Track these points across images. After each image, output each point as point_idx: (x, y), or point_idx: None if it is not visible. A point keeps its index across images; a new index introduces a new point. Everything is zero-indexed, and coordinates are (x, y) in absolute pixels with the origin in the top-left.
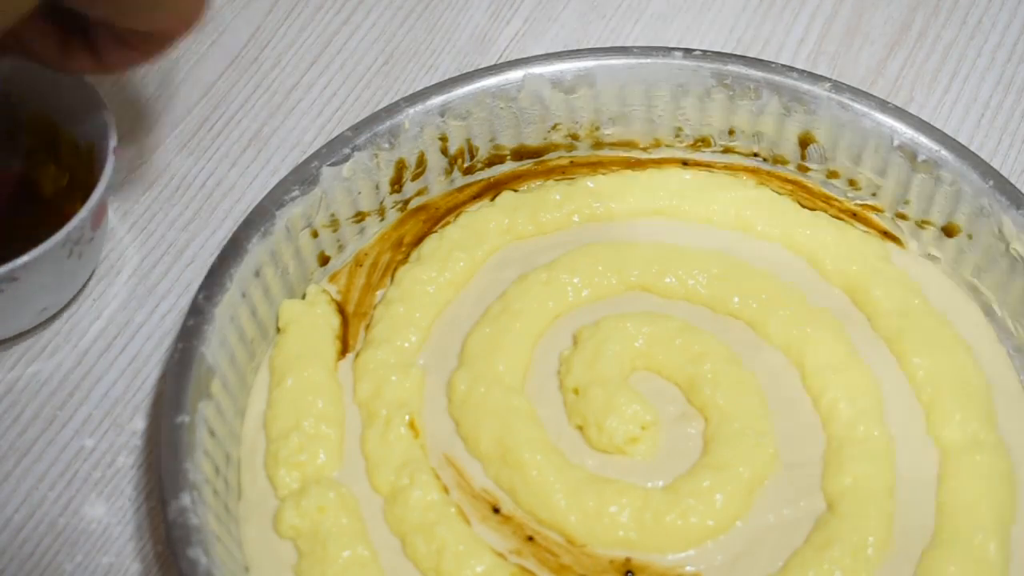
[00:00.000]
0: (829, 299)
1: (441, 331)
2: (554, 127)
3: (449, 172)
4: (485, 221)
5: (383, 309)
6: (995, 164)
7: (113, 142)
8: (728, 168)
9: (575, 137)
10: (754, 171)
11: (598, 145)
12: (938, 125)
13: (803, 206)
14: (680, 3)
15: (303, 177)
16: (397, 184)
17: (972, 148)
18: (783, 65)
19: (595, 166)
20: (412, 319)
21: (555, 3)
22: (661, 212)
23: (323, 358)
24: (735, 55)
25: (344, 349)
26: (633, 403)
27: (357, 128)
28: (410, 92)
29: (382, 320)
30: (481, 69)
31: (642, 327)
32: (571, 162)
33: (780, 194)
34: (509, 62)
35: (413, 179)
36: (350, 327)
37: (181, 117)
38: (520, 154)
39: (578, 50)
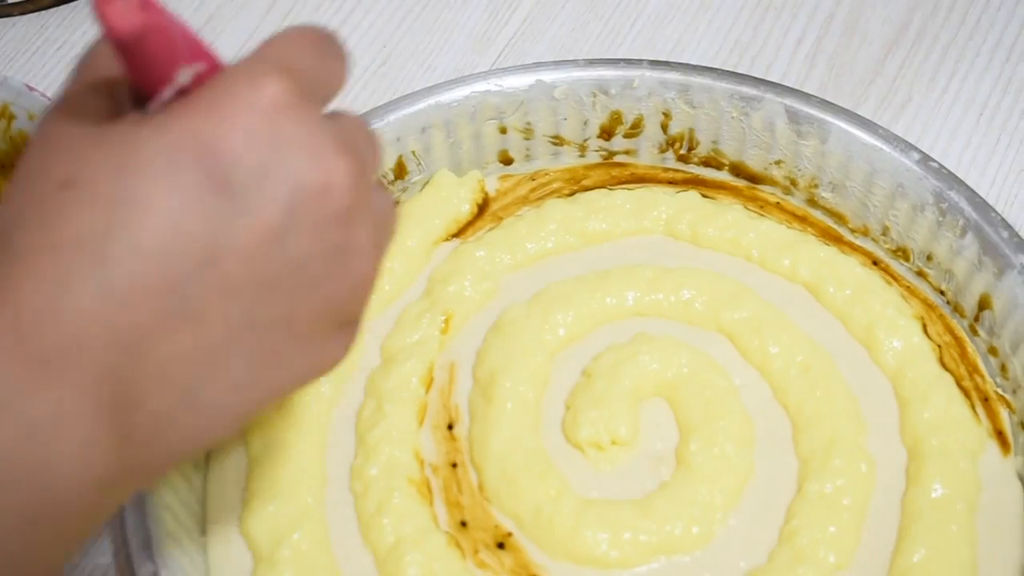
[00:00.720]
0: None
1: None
2: (777, 162)
3: (664, 150)
4: (655, 204)
5: (511, 222)
6: (993, 164)
7: None
8: (910, 290)
9: (793, 183)
10: (931, 307)
11: (812, 202)
12: (936, 125)
13: (942, 362)
14: (678, 3)
15: (513, 73)
16: (607, 133)
17: (970, 148)
18: (1003, 220)
19: (801, 220)
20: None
21: (553, 3)
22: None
23: (430, 236)
24: (964, 183)
25: (458, 233)
26: (622, 414)
27: (592, 62)
28: (408, 92)
29: (499, 232)
30: (726, 71)
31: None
32: (779, 204)
33: (934, 342)
34: (755, 78)
35: (625, 136)
36: (478, 221)
37: None
38: (738, 170)
39: (825, 101)
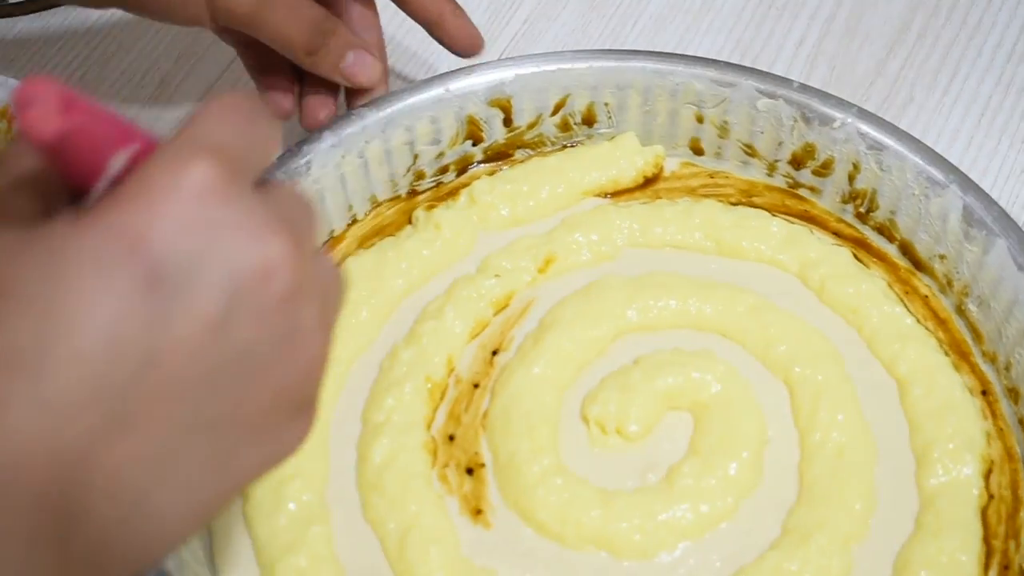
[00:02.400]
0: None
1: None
2: (941, 256)
3: (846, 200)
4: (804, 245)
5: (662, 204)
6: (994, 165)
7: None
8: (1002, 433)
9: (949, 282)
10: (1013, 458)
11: (960, 310)
12: (938, 125)
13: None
14: (679, 3)
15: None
16: (797, 162)
17: (972, 148)
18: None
19: (941, 322)
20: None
21: (554, 3)
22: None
23: (581, 185)
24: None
25: (613, 195)
26: (640, 411)
27: (805, 88)
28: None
29: (646, 208)
30: (928, 147)
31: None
32: (927, 298)
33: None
34: (950, 164)
35: (814, 172)
36: (637, 191)
37: (181, 117)
38: (906, 249)
39: (1005, 212)
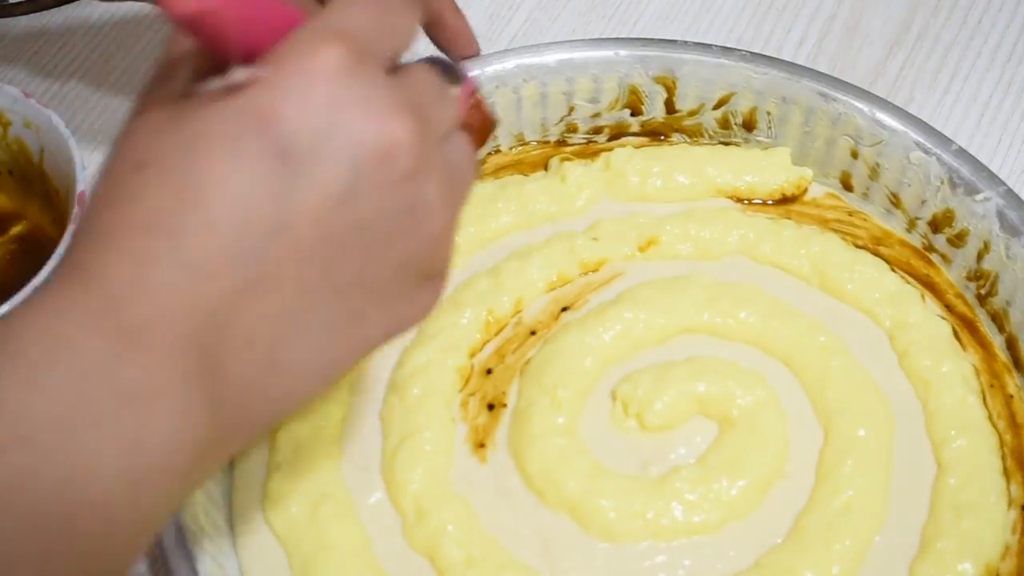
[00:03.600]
0: None
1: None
2: None
3: (971, 278)
4: (886, 295)
5: (785, 224)
6: (995, 165)
7: (81, 186)
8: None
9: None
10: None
11: None
12: (938, 126)
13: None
14: (679, 3)
15: (888, 111)
16: (935, 226)
17: (972, 149)
18: None
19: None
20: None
21: (555, 3)
22: None
23: (713, 186)
24: None
25: (740, 200)
26: (666, 405)
27: (960, 154)
28: None
29: (767, 223)
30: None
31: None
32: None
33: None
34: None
35: (948, 241)
36: (770, 208)
37: None
38: (1011, 344)
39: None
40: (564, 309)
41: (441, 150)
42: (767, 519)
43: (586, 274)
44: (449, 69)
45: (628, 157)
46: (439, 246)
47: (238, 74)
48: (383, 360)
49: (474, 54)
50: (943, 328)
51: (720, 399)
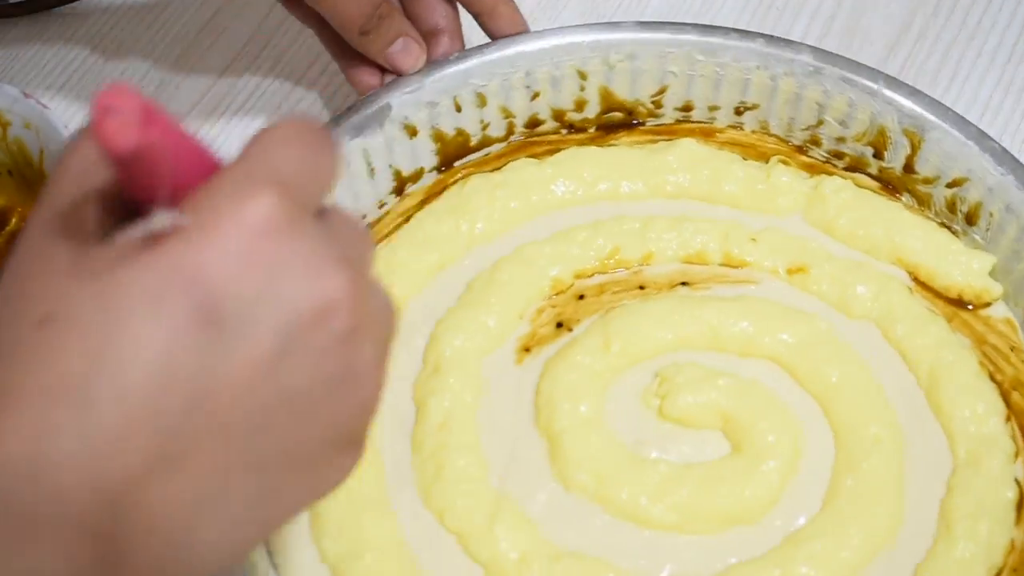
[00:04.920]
0: None
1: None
2: None
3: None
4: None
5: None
6: None
7: None
8: None
9: None
10: None
11: None
12: None
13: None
14: (679, 3)
15: None
16: None
17: None
18: None
19: None
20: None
21: (555, 3)
22: None
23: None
24: None
25: None
26: (697, 403)
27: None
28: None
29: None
30: None
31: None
32: None
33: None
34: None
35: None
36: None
37: (181, 117)
38: None
39: None
40: (684, 283)
41: (372, 305)
42: (731, 542)
43: (724, 265)
44: None
45: (839, 189)
46: (367, 410)
47: (161, 220)
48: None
49: (523, 31)
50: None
51: (745, 429)
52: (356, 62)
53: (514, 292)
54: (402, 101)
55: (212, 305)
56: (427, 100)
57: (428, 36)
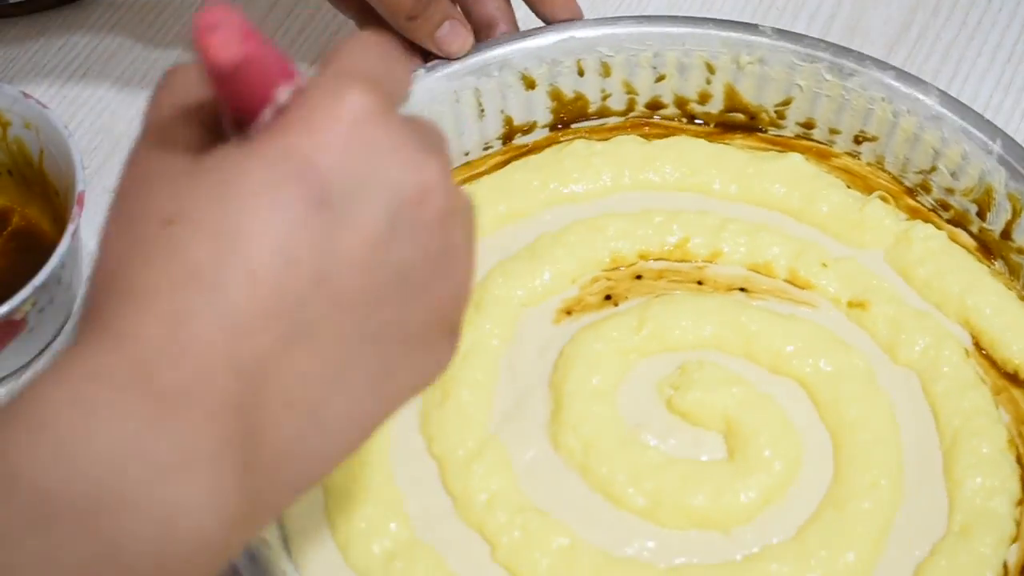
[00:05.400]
0: None
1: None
2: None
3: None
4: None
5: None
6: None
7: (81, 187)
8: None
9: None
10: None
11: None
12: None
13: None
14: (679, 4)
15: None
16: None
17: None
18: None
19: None
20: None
21: None
22: None
23: None
24: None
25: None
26: (710, 402)
27: None
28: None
29: None
30: None
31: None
32: None
33: None
34: None
35: None
36: None
37: None
38: None
39: None
40: (742, 289)
41: (460, 192)
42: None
43: (788, 282)
44: None
45: (928, 237)
46: (462, 293)
47: (282, 96)
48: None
49: (577, 17)
50: None
51: (743, 439)
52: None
53: (575, 256)
54: (525, 53)
55: (323, 189)
56: (550, 57)
57: (483, 26)
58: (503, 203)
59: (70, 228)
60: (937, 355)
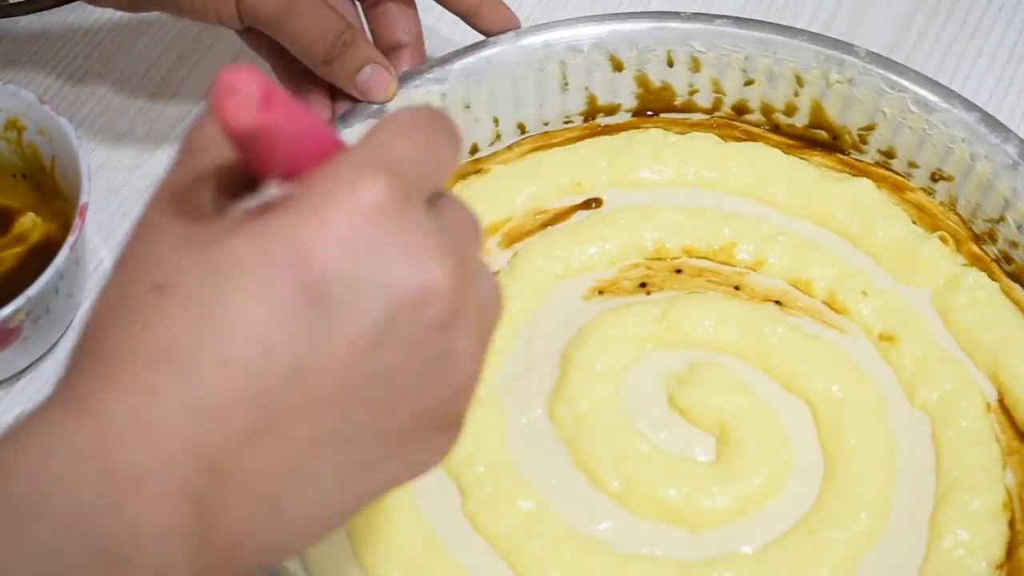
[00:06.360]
0: None
1: None
2: None
3: None
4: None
5: None
6: None
7: (85, 198)
8: None
9: None
10: None
11: None
12: None
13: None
14: (678, 4)
15: None
16: None
17: None
18: None
19: None
20: None
21: (555, 3)
22: None
23: None
24: None
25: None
26: (699, 402)
27: None
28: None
29: None
30: None
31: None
32: None
33: None
34: None
35: None
36: None
37: (181, 117)
38: None
39: None
40: (778, 302)
41: (474, 291)
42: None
43: (826, 304)
44: None
45: (978, 286)
46: (462, 395)
47: (272, 194)
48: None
49: (514, 27)
50: None
51: (733, 445)
52: (306, 91)
53: (620, 239)
54: (616, 35)
55: (316, 283)
56: (642, 43)
57: (390, 52)
58: (567, 175)
59: (70, 239)
60: (955, 403)
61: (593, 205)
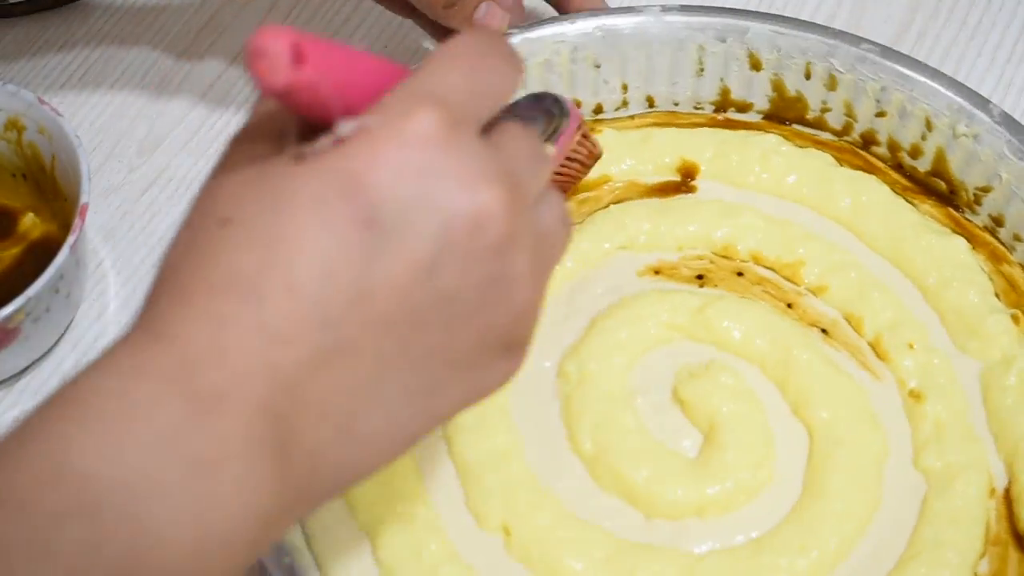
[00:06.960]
0: None
1: None
2: None
3: None
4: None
5: None
6: None
7: (85, 198)
8: None
9: None
10: None
11: None
12: None
13: None
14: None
15: None
16: None
17: None
18: None
19: None
20: None
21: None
22: None
23: None
24: None
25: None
26: (696, 395)
27: None
28: None
29: None
30: None
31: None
32: None
33: None
34: None
35: None
36: None
37: (181, 117)
38: None
39: None
40: (824, 331)
41: (532, 217)
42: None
43: (871, 345)
44: (550, 111)
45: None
46: (524, 318)
47: (342, 128)
48: None
49: (600, 8)
50: None
51: (716, 447)
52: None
53: (695, 227)
54: (759, 33)
55: (372, 209)
56: (783, 48)
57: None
58: (671, 155)
59: (70, 239)
60: (956, 476)
61: (683, 190)
